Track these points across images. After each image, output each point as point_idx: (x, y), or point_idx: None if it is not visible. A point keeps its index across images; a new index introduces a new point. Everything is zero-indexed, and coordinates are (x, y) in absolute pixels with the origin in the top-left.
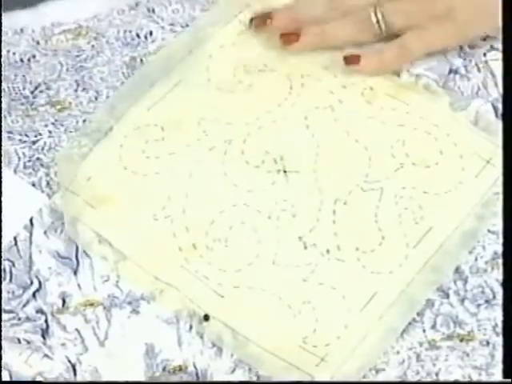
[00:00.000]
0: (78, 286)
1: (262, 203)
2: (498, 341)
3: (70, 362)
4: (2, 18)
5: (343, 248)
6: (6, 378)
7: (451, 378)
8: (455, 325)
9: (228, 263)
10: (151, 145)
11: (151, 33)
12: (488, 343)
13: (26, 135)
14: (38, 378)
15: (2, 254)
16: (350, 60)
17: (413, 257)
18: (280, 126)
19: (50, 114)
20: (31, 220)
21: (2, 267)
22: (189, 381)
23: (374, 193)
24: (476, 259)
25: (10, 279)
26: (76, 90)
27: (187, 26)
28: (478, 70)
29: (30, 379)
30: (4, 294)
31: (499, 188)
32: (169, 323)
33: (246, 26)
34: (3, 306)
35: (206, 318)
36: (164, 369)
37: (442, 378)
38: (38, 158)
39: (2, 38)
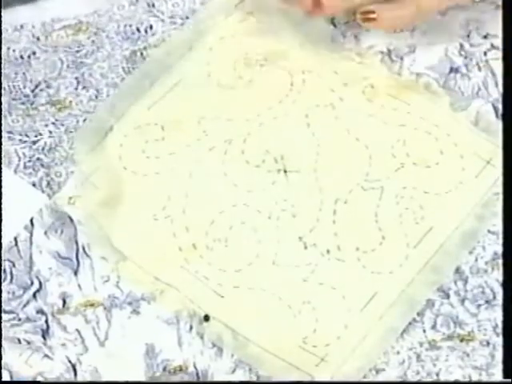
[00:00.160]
0: (79, 286)
1: (262, 203)
2: (498, 341)
3: (70, 362)
4: (2, 13)
5: (343, 248)
6: (6, 378)
7: (451, 378)
8: (455, 325)
9: (228, 263)
10: (151, 144)
11: (151, 27)
12: (488, 343)
13: (27, 135)
14: (39, 378)
15: (3, 254)
16: (366, 15)
17: (413, 257)
18: (281, 124)
19: (51, 114)
20: (31, 220)
21: (3, 267)
22: (189, 381)
23: (374, 192)
24: (476, 259)
25: (11, 279)
26: (76, 88)
27: (187, 18)
28: (479, 69)
29: (30, 379)
30: (4, 295)
31: (499, 188)
32: (169, 323)
33: (245, 15)
34: (3, 307)
35: (206, 318)
36: (164, 369)
37: (442, 378)
38: (38, 158)
39: (2, 36)
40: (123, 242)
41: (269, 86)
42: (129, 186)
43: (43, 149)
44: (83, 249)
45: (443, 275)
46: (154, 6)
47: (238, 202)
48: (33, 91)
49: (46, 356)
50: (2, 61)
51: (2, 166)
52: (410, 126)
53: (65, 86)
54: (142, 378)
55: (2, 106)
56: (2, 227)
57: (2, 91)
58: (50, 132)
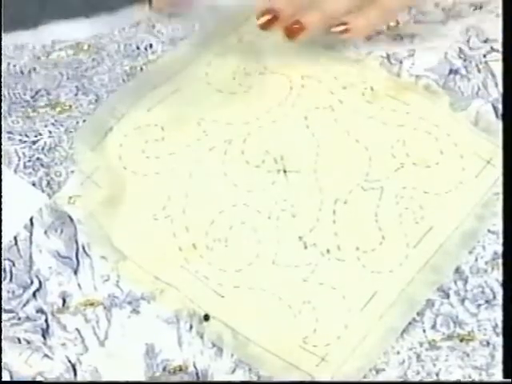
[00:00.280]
0: (79, 285)
1: (262, 203)
2: (498, 341)
3: (70, 361)
4: (3, 37)
5: (343, 248)
6: (6, 377)
7: (451, 379)
8: (455, 325)
9: (228, 263)
10: (151, 145)
11: (151, 45)
12: (488, 343)
13: (26, 135)
14: (38, 378)
15: (2, 253)
16: (340, 28)
17: (413, 257)
18: (280, 126)
19: (50, 115)
20: (31, 220)
21: (2, 267)
22: (189, 381)
23: (374, 192)
24: (476, 259)
25: (10, 279)
26: (76, 94)
27: (186, 38)
28: (478, 70)
29: (30, 379)
30: (4, 294)
31: (499, 188)
32: (169, 323)
33: (243, 35)
34: (3, 306)
35: (206, 317)
36: (164, 369)
37: (442, 378)
38: (38, 158)
39: (4, 53)
40: (123, 242)
41: (268, 90)
42: (129, 186)
43: (43, 149)
44: (83, 248)
45: (443, 275)
46: (154, 27)
47: (237, 202)
48: (32, 97)
49: (46, 356)
50: (3, 74)
51: (2, 165)
52: (409, 126)
53: (65, 93)
54: (142, 378)
55: (2, 109)
56: (2, 227)
57: (2, 97)
58: (50, 132)
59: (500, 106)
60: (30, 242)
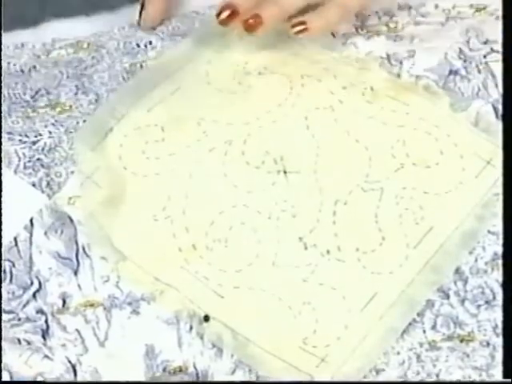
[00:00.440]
0: (79, 286)
1: (262, 204)
2: (498, 342)
3: (70, 362)
4: (3, 37)
5: (343, 248)
6: (6, 378)
7: (451, 379)
8: (455, 325)
9: (228, 264)
10: (151, 145)
11: (151, 42)
12: (488, 344)
13: (26, 136)
14: (39, 379)
15: (2, 254)
16: (298, 27)
17: (413, 257)
18: (280, 126)
19: (50, 116)
20: (31, 220)
21: (2, 268)
22: (189, 381)
23: (374, 193)
24: (476, 260)
25: (10, 280)
26: (76, 94)
27: (186, 35)
28: (479, 71)
29: (30, 380)
30: (4, 295)
31: (499, 189)
32: (169, 324)
33: (244, 35)
34: (3, 307)
35: (206, 318)
36: (164, 369)
37: (442, 379)
38: (38, 159)
39: (3, 52)
40: (123, 242)
41: (268, 90)
42: (129, 187)
43: (43, 149)
44: (83, 249)
45: (443, 275)
46: (154, 28)
47: (237, 203)
48: (32, 97)
49: (46, 356)
50: (3, 73)
51: (2, 166)
52: (409, 127)
53: (65, 93)
54: (142, 379)
55: (2, 109)
56: (2, 227)
57: (2, 97)
58: (50, 132)
59: (500, 107)
60: (30, 243)
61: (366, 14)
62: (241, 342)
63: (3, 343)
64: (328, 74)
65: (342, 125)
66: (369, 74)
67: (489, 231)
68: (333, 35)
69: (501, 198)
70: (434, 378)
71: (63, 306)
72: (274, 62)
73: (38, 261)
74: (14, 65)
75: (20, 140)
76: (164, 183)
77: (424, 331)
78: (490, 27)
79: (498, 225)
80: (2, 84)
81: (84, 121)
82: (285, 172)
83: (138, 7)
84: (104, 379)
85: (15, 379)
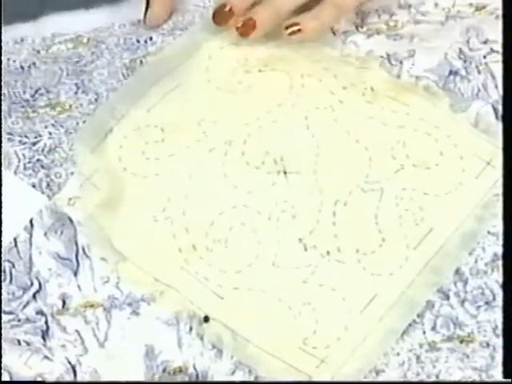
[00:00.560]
0: (78, 287)
1: (261, 204)
2: (498, 342)
3: (70, 363)
4: (3, 31)
5: (343, 250)
6: (6, 379)
7: (451, 380)
8: (455, 326)
9: (228, 264)
10: (151, 146)
11: (151, 38)
12: (488, 345)
13: (26, 136)
14: (38, 380)
15: (2, 255)
16: (292, 28)
17: (413, 258)
18: (280, 126)
19: (50, 116)
20: (31, 221)
21: (2, 268)
22: (189, 381)
23: (374, 194)
24: (476, 261)
25: (10, 280)
26: (76, 93)
27: (186, 29)
28: (479, 71)
29: (30, 380)
30: (4, 296)
31: (499, 189)
32: (169, 325)
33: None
34: (3, 308)
35: (206, 319)
36: (164, 370)
37: (442, 380)
38: (38, 160)
39: (3, 48)
40: (123, 243)
41: (268, 90)
42: (129, 187)
43: (43, 150)
44: (83, 250)
45: (443, 276)
46: (159, 26)
47: (237, 203)
48: (32, 96)
49: (46, 357)
50: (3, 71)
51: (2, 167)
52: (409, 128)
53: (65, 91)
54: (142, 379)
55: (2, 109)
56: (2, 228)
57: (2, 97)
58: (50, 133)
59: (500, 108)
60: (30, 244)
61: (365, 11)
62: (241, 342)
63: (3, 344)
64: (328, 74)
65: (342, 125)
66: (369, 74)
67: (489, 232)
68: (333, 33)
69: (501, 198)
70: (433, 379)
71: (63, 306)
72: (274, 58)
73: (38, 261)
74: (14, 61)
75: (20, 141)
76: (164, 184)
77: (424, 332)
78: (489, 26)
79: (497, 226)
80: (2, 83)
81: (84, 121)
82: (285, 172)
83: (143, 6)
84: (104, 380)
85: (15, 380)
